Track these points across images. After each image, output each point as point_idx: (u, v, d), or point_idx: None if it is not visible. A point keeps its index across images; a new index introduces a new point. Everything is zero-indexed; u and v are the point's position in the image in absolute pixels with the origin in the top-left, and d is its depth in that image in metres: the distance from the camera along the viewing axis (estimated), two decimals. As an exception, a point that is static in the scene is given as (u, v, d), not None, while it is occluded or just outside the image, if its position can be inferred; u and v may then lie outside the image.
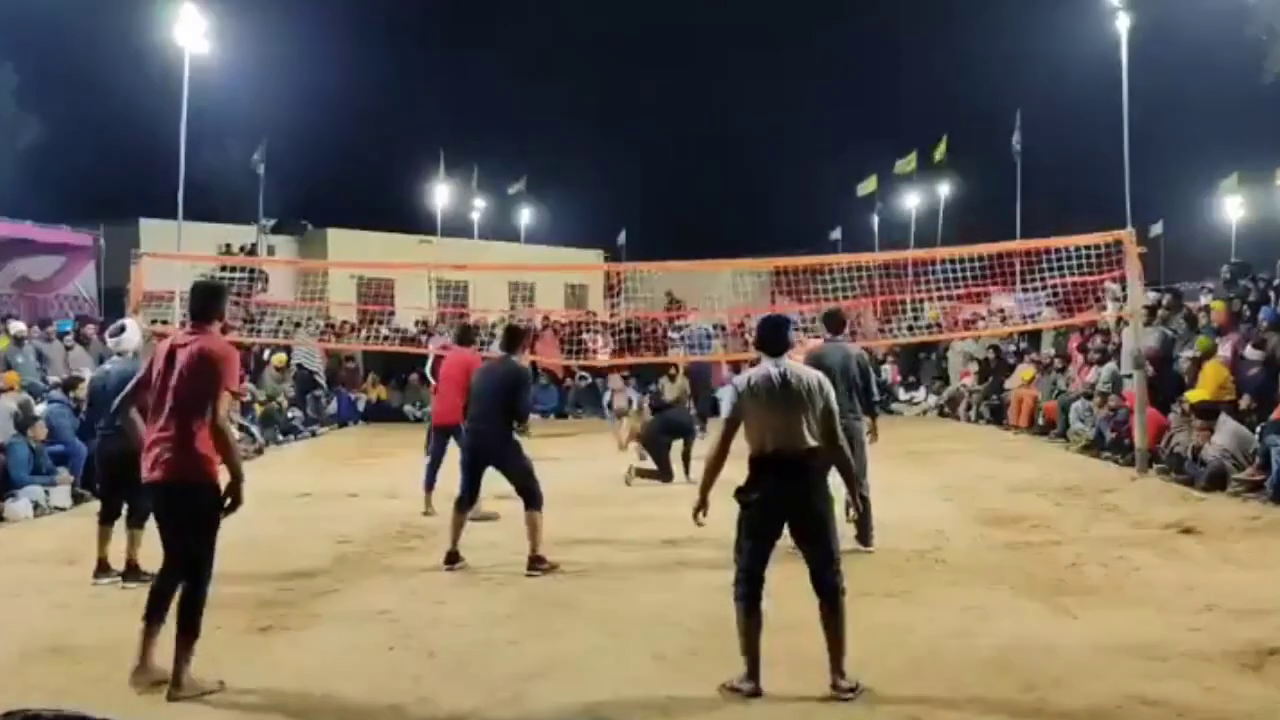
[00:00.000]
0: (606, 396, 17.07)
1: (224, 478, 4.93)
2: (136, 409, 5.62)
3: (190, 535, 4.95)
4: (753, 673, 4.79)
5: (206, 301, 5.29)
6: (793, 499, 4.89)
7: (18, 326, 13.81)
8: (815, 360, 6.92)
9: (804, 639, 5.19)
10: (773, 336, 5.15)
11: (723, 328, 16.88)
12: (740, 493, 4.89)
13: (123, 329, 7.62)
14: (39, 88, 34.46)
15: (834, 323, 8.11)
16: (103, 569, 7.02)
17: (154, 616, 4.95)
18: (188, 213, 15.68)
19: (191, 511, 4.93)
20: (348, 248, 29.48)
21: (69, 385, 11.61)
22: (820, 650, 4.84)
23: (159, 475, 4.92)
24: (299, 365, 17.80)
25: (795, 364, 5.14)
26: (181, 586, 4.94)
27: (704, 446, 5.12)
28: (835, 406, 5.01)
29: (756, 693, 4.75)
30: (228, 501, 4.88)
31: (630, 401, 16.15)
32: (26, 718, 1.79)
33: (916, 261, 17.38)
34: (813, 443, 4.90)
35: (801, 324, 12.56)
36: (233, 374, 5.02)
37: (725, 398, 5.04)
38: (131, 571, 6.86)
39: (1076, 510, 9.36)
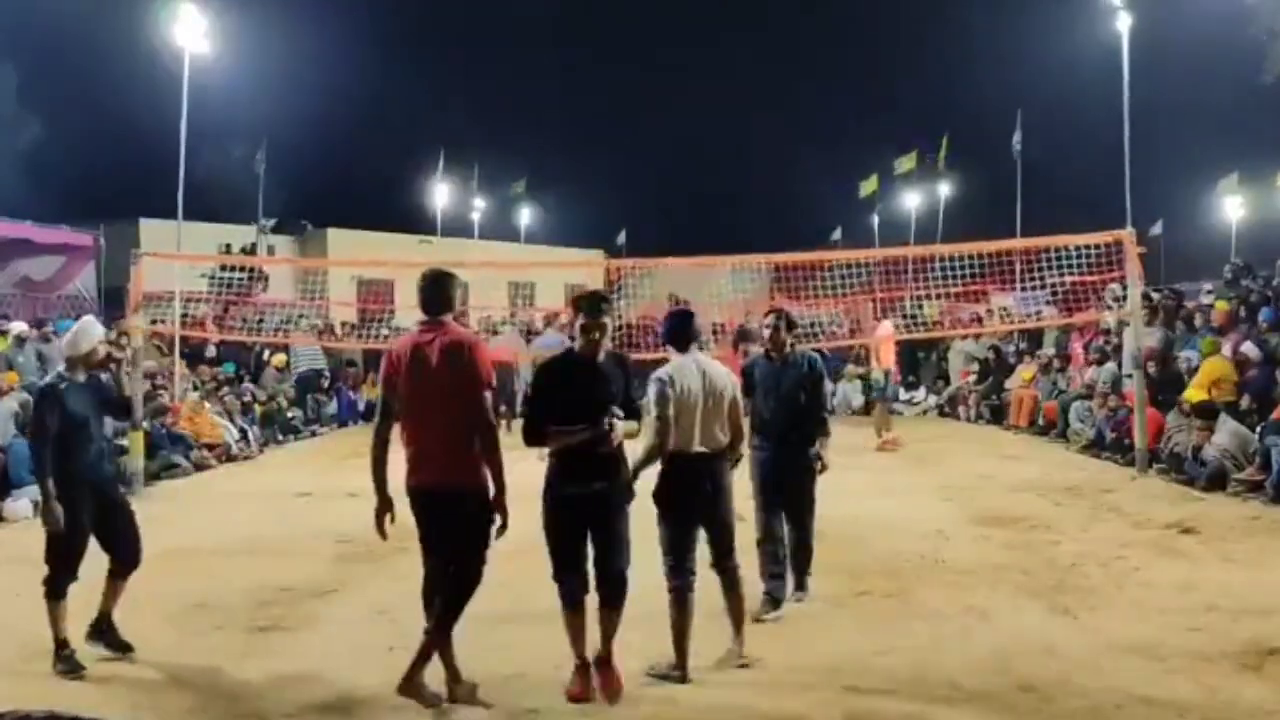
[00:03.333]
0: None
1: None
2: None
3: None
4: (683, 662, 5.03)
5: (439, 289, 4.95)
6: (707, 493, 5.12)
7: (19, 327, 13.80)
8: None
9: (808, 638, 5.20)
10: (684, 330, 5.31)
11: (723, 326, 16.85)
12: (662, 495, 5.08)
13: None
14: (39, 88, 34.49)
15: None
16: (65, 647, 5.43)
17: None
18: (188, 213, 15.67)
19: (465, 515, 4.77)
20: (348, 248, 29.46)
21: None
22: (828, 651, 4.85)
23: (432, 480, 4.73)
24: (311, 369, 17.76)
25: (706, 358, 5.31)
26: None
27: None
28: (740, 398, 5.36)
29: (685, 679, 4.98)
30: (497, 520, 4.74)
31: None
32: (17, 719, 1.78)
33: (916, 259, 17.37)
34: (724, 439, 5.18)
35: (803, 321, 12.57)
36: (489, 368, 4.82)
37: (651, 394, 5.15)
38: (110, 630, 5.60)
39: (1076, 510, 9.36)
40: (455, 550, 4.82)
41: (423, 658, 4.71)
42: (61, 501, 5.42)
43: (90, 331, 5.72)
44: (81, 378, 5.61)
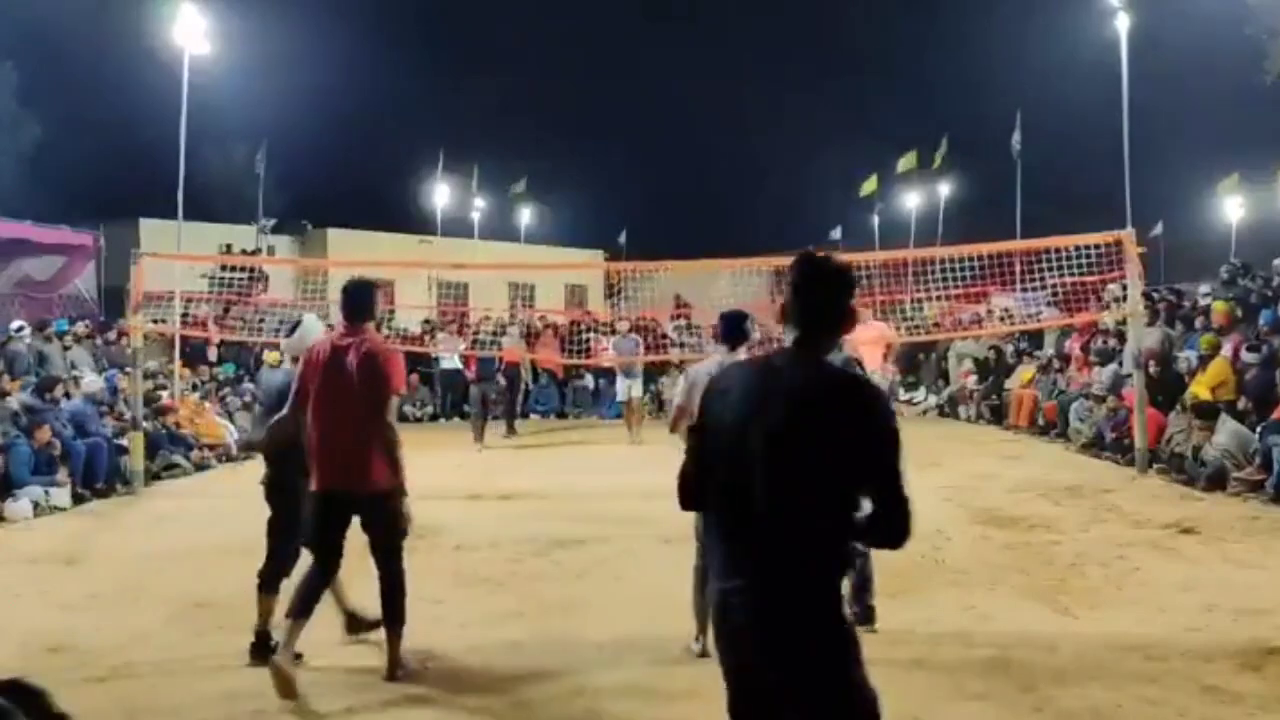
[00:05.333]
0: (622, 390, 16.70)
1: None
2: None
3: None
4: (705, 630, 5.15)
5: (362, 299, 5.15)
6: None
7: (21, 327, 13.82)
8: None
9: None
10: (730, 330, 5.40)
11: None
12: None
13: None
14: (39, 88, 34.54)
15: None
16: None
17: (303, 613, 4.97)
18: (188, 213, 15.64)
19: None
20: (348, 248, 29.46)
21: (46, 386, 11.44)
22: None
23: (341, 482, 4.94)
24: None
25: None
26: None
27: None
28: None
29: (705, 653, 5.03)
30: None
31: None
32: None
33: (916, 260, 17.37)
34: None
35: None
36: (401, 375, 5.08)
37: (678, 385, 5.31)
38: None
39: (1076, 510, 9.36)
40: (374, 553, 5.09)
41: (394, 649, 5.07)
42: (301, 495, 5.37)
43: (315, 329, 5.77)
44: None
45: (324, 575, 5.08)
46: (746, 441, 2.53)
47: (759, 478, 2.51)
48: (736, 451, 2.54)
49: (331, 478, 4.94)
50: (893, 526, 2.57)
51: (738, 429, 2.56)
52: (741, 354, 5.33)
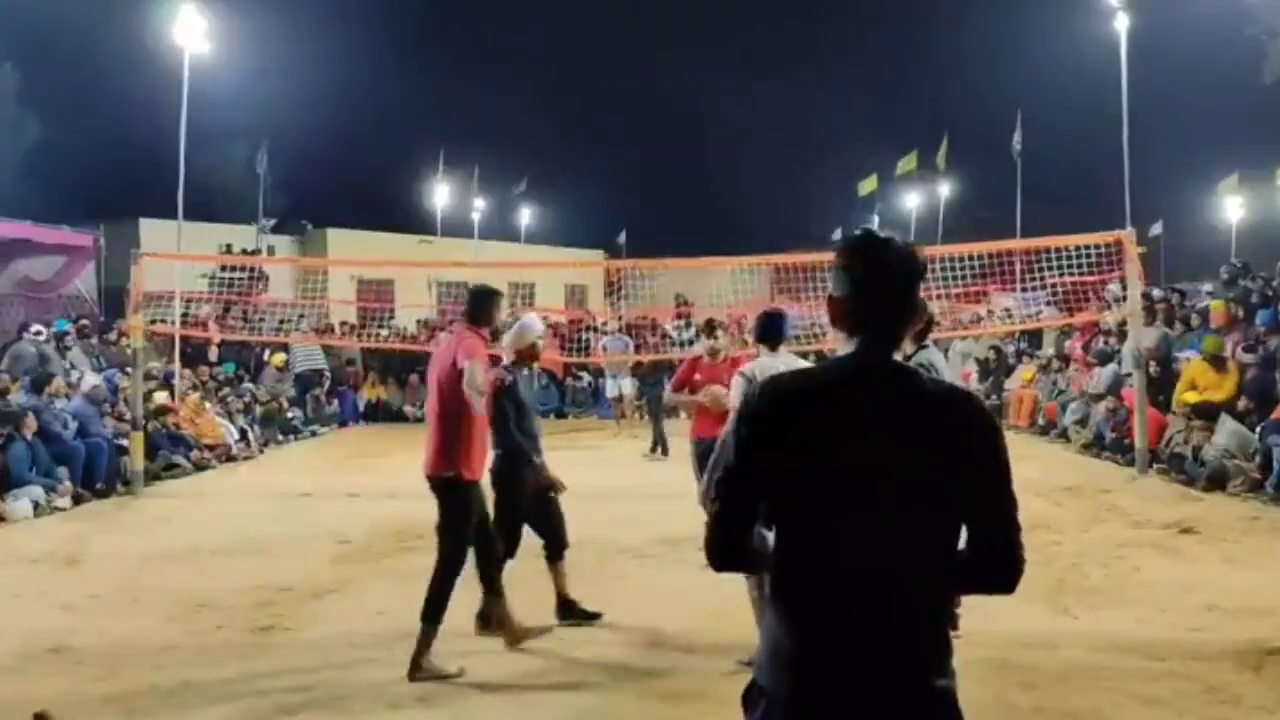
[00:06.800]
0: (612, 388, 17.02)
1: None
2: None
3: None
4: None
5: (475, 303, 5.45)
6: None
7: (39, 331, 13.83)
8: None
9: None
10: (775, 329, 5.30)
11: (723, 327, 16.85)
12: None
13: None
14: (40, 89, 34.57)
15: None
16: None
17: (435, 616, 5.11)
18: (188, 213, 15.63)
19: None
20: (348, 248, 29.46)
21: (41, 382, 11.39)
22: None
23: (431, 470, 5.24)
24: (311, 369, 17.78)
25: (793, 358, 5.29)
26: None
27: None
28: None
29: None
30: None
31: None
32: None
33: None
34: None
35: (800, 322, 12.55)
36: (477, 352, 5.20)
37: (734, 389, 5.18)
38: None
39: (1076, 510, 9.36)
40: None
41: (417, 647, 5.04)
42: (509, 484, 5.77)
43: (533, 327, 6.17)
44: (525, 371, 6.12)
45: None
46: (860, 478, 1.98)
47: (881, 523, 1.97)
48: (841, 491, 1.99)
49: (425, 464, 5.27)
50: (1010, 564, 2.03)
51: (838, 462, 1.99)
52: (782, 354, 5.23)
